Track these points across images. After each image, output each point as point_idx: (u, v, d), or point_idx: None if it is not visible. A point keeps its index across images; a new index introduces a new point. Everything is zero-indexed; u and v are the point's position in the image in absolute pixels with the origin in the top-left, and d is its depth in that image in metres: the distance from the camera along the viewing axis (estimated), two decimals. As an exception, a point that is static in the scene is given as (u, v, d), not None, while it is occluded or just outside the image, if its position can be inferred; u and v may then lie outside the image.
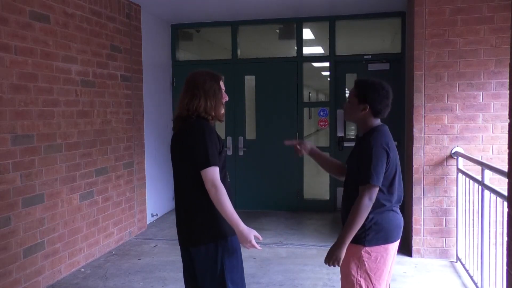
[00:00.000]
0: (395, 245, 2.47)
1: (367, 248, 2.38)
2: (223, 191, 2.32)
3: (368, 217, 2.34)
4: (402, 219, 2.52)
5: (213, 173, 2.32)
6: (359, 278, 2.39)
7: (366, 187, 2.31)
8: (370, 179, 2.29)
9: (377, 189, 2.33)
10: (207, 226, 2.39)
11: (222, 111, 2.52)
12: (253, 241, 2.34)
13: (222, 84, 2.52)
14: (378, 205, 2.37)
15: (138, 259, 4.67)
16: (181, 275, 4.20)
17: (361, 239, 2.37)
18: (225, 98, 2.53)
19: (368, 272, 2.38)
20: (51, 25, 3.99)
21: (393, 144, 2.44)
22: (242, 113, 6.73)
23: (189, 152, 2.37)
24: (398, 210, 2.50)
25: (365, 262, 2.39)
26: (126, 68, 5.26)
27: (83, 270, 4.39)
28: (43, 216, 3.91)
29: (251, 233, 2.34)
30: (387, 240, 2.42)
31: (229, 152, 6.73)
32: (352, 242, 2.36)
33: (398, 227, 2.47)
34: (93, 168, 4.62)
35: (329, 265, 2.39)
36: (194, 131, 2.36)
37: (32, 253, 3.80)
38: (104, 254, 4.81)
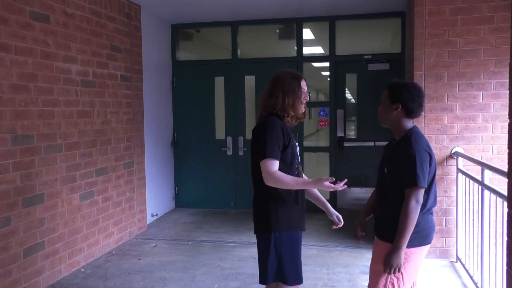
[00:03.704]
0: (428, 246, 2.52)
1: (406, 250, 2.39)
2: (279, 175, 2.39)
3: None
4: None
5: (269, 165, 2.40)
6: (393, 277, 2.42)
7: (412, 189, 2.34)
8: (416, 182, 2.32)
9: (423, 190, 2.36)
10: (262, 218, 2.55)
11: (302, 109, 2.59)
12: (326, 183, 2.37)
13: (303, 83, 2.59)
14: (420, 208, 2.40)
15: (138, 259, 4.67)
16: (181, 274, 4.23)
17: None
18: (306, 98, 2.59)
19: (402, 271, 2.42)
20: (51, 25, 3.99)
21: (430, 145, 2.48)
22: (242, 113, 6.73)
23: (252, 146, 2.54)
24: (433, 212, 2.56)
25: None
26: (126, 68, 5.26)
27: (83, 270, 4.39)
28: (43, 216, 3.91)
29: (320, 182, 2.40)
30: (424, 242, 2.46)
31: (229, 152, 6.74)
32: (391, 242, 2.38)
33: (434, 229, 2.52)
34: (93, 168, 4.62)
35: (390, 274, 2.41)
36: (258, 126, 2.53)
37: (32, 253, 3.80)
38: (104, 254, 4.81)
